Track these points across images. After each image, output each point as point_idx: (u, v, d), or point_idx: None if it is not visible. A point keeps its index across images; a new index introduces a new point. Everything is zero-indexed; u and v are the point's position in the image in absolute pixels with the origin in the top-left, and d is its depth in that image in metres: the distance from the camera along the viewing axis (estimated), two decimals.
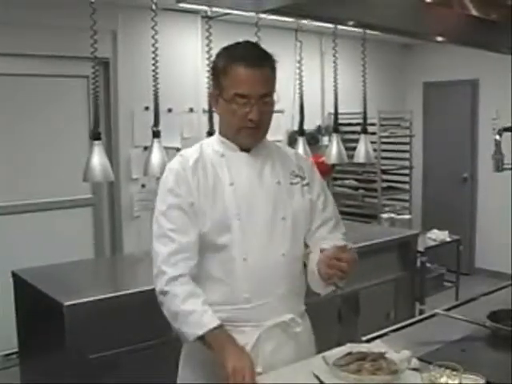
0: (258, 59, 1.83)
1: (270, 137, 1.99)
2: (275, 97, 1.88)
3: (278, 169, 1.96)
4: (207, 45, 3.71)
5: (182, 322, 1.77)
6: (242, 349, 1.75)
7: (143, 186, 5.15)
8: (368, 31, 3.89)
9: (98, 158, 3.33)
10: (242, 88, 1.80)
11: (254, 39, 3.36)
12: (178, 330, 1.80)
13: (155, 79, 3.58)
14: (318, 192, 2.02)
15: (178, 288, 1.79)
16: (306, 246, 2.00)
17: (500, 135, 2.47)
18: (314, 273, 1.89)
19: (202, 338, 1.75)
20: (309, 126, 5.73)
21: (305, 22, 3.99)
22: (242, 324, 1.85)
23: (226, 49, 1.89)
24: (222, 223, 1.84)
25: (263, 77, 1.82)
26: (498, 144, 2.49)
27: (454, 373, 1.55)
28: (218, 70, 1.86)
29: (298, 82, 4.40)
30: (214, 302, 1.83)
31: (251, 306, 1.85)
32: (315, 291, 1.97)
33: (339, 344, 1.88)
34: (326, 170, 5.90)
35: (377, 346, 1.88)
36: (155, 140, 3.61)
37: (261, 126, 1.87)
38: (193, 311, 1.76)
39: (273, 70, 1.87)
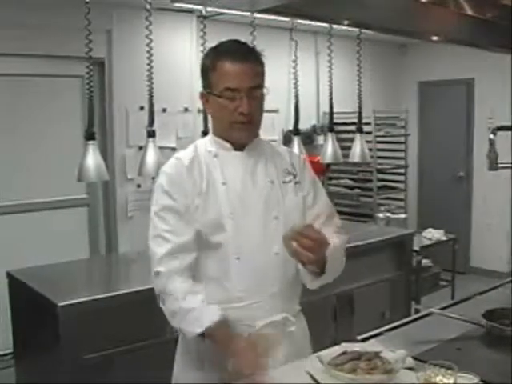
0: (244, 53, 1.86)
1: (264, 136, 2.00)
2: (265, 91, 1.89)
3: (272, 168, 1.96)
4: (202, 44, 3.70)
5: (181, 320, 1.78)
6: (244, 342, 1.74)
7: (138, 185, 5.14)
8: (363, 30, 3.89)
9: (92, 158, 3.32)
10: (230, 81, 1.82)
11: (249, 39, 3.37)
12: (178, 327, 1.82)
13: (150, 79, 3.58)
14: (307, 189, 2.01)
15: (176, 286, 1.80)
16: None
17: (494, 134, 2.47)
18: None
19: (202, 335, 1.76)
20: (304, 125, 5.73)
21: (300, 21, 3.97)
22: (234, 323, 1.84)
23: (212, 48, 1.93)
24: (215, 222, 1.84)
25: (251, 70, 1.85)
26: (492, 143, 2.49)
27: (449, 372, 1.55)
28: (207, 68, 1.89)
29: (293, 81, 4.39)
30: (207, 300, 1.82)
31: (244, 305, 1.85)
32: (307, 286, 1.95)
33: (334, 343, 1.87)
34: (322, 170, 5.90)
35: (372, 346, 1.88)
36: (150, 140, 3.60)
37: (252, 120, 1.88)
38: (192, 309, 1.76)
39: (260, 64, 1.90)
